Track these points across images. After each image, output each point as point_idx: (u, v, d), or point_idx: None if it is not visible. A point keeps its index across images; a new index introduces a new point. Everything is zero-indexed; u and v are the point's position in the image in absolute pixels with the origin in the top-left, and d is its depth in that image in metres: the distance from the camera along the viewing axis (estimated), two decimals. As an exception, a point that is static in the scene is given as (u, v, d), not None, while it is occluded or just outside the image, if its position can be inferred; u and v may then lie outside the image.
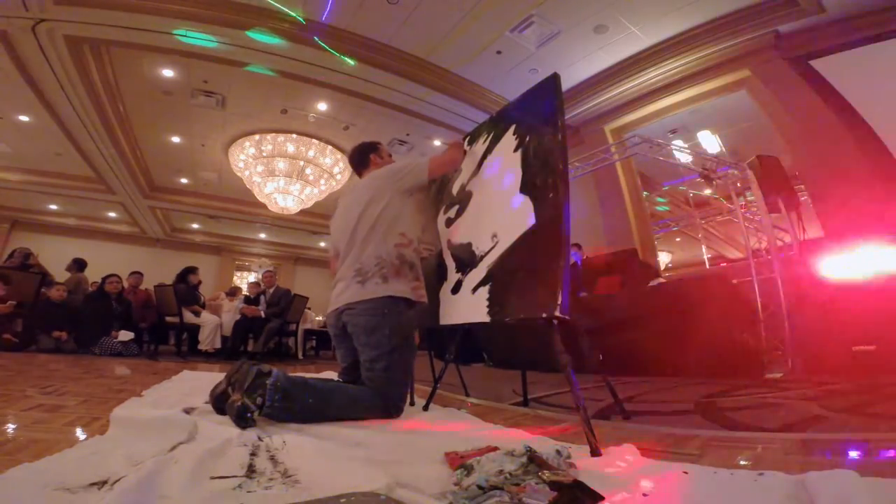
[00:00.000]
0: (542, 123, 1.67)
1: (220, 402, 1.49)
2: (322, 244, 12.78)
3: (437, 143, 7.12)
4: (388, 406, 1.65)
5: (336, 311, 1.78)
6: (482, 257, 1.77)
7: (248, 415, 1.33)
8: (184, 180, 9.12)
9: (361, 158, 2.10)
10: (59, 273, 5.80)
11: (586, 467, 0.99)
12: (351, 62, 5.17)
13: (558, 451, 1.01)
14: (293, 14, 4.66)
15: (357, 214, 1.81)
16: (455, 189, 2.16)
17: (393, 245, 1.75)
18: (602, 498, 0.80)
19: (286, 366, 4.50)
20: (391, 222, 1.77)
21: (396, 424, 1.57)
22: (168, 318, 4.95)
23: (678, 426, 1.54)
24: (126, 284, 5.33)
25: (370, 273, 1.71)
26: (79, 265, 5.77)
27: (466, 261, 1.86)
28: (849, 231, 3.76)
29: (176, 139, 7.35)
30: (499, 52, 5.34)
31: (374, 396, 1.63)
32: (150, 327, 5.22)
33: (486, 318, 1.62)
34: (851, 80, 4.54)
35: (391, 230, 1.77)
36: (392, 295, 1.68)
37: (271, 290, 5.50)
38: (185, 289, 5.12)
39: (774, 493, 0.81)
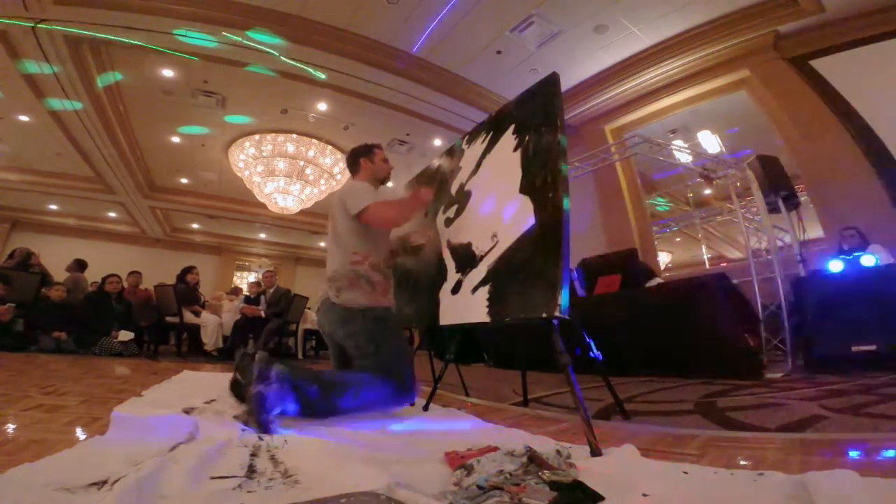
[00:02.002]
0: (542, 123, 1.66)
1: (237, 389, 1.54)
2: (322, 244, 12.78)
3: (437, 142, 7.13)
4: (398, 385, 1.65)
5: (318, 311, 1.89)
6: (482, 257, 1.77)
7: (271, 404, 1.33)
8: (184, 180, 9.11)
9: (352, 162, 2.08)
10: (59, 273, 5.80)
11: (586, 467, 0.99)
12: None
13: (558, 451, 1.01)
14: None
15: (330, 225, 1.92)
16: (454, 189, 2.16)
17: (348, 262, 1.79)
18: (602, 498, 0.80)
19: (286, 366, 4.50)
20: (344, 241, 1.83)
21: (396, 425, 1.57)
22: (168, 318, 4.95)
23: (678, 426, 1.53)
24: (126, 284, 5.33)
25: (332, 282, 1.81)
26: (80, 265, 5.77)
27: (466, 261, 1.86)
28: (848, 231, 3.76)
29: (176, 139, 7.34)
30: (499, 52, 5.34)
31: (382, 378, 1.63)
32: (150, 327, 5.22)
33: (487, 319, 1.62)
34: (851, 80, 4.53)
35: (346, 248, 1.82)
36: (345, 305, 1.74)
37: (271, 290, 5.51)
38: (185, 288, 5.12)
39: (774, 493, 0.81)
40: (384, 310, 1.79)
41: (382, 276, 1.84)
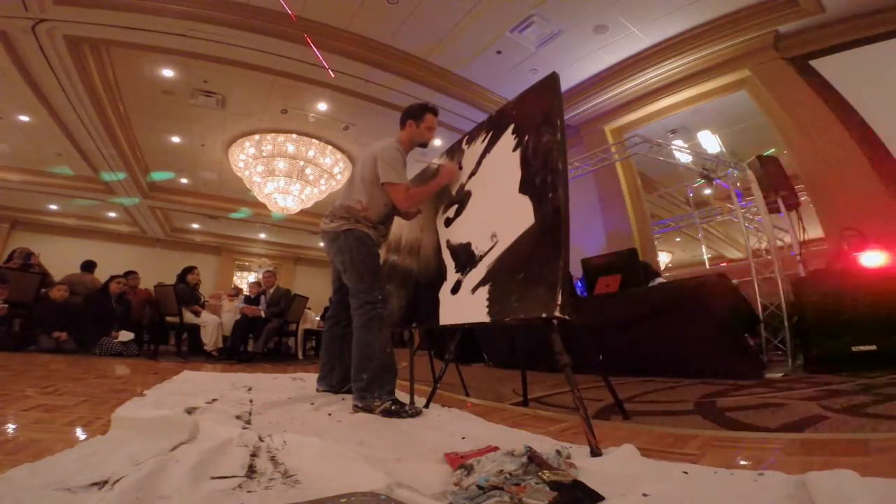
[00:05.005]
0: (541, 123, 1.66)
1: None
2: (322, 244, 12.78)
3: (437, 142, 7.11)
4: (364, 307, 1.89)
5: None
6: (481, 257, 1.77)
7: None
8: (184, 180, 9.12)
9: (402, 118, 2.16)
10: (60, 274, 5.79)
11: (586, 467, 0.99)
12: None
13: (558, 451, 1.01)
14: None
15: (358, 168, 2.20)
16: (454, 189, 2.16)
17: (348, 204, 2.08)
18: (602, 498, 0.80)
19: (286, 366, 4.51)
20: (357, 189, 2.11)
21: (397, 424, 1.57)
22: (168, 318, 4.95)
23: (678, 426, 1.53)
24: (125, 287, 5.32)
25: (330, 216, 2.13)
26: (87, 267, 5.76)
27: (466, 261, 1.86)
28: (848, 231, 3.76)
29: (176, 139, 7.35)
30: (499, 52, 5.34)
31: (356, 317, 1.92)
32: (150, 327, 5.22)
33: (486, 319, 1.62)
34: (851, 80, 4.53)
35: (353, 195, 2.10)
36: (333, 230, 2.08)
37: (271, 291, 5.51)
38: (186, 289, 5.12)
39: (774, 493, 0.81)
40: (364, 233, 2.01)
41: (370, 226, 2.05)
